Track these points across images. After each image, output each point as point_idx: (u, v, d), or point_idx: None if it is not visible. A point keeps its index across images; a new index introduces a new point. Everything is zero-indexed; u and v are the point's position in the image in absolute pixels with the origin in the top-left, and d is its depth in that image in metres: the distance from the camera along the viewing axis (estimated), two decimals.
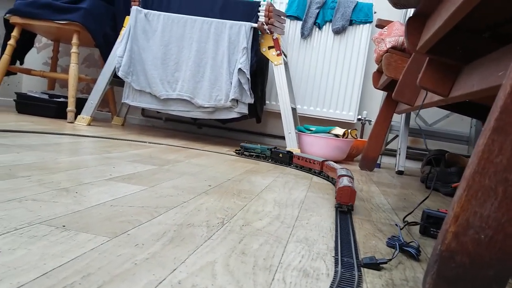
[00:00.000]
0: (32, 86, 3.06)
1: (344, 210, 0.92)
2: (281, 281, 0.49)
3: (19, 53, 2.62)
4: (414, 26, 0.98)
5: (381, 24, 1.85)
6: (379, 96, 2.62)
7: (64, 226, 0.57)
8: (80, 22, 2.20)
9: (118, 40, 2.19)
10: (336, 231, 0.76)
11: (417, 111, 1.97)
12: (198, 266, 0.50)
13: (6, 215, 0.58)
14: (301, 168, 1.62)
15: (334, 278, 0.53)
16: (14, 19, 2.31)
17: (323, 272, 0.55)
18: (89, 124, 2.23)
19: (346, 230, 0.77)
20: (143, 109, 2.90)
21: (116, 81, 2.42)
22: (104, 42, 2.34)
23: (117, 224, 0.61)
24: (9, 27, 2.43)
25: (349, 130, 2.13)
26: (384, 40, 1.50)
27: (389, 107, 1.91)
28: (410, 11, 2.34)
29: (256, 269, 0.52)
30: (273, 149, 1.73)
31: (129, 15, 2.19)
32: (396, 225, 0.88)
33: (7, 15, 2.34)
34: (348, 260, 0.60)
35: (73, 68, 2.27)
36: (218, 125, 2.82)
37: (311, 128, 2.17)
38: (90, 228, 0.58)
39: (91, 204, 0.70)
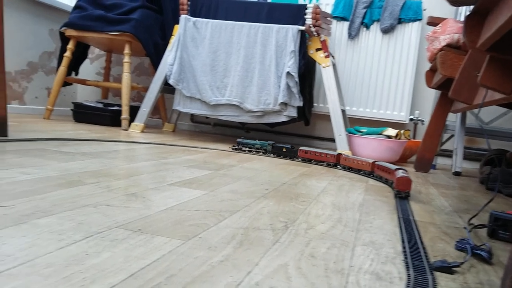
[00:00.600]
0: (86, 95, 3.20)
1: (402, 196, 1.11)
2: (355, 284, 0.49)
3: (74, 65, 2.74)
4: (472, 24, 0.95)
5: (433, 22, 1.81)
6: (431, 95, 2.55)
7: (140, 230, 0.60)
8: (132, 32, 2.28)
9: (168, 48, 2.25)
10: (402, 234, 0.75)
11: (477, 109, 1.90)
12: (272, 269, 0.51)
13: (86, 220, 0.61)
14: (349, 169, 1.61)
15: (408, 282, 0.52)
16: (70, 32, 2.43)
17: (395, 275, 0.54)
18: (142, 131, 2.30)
19: (411, 233, 0.75)
20: (192, 115, 2.96)
21: (167, 88, 2.49)
22: (154, 51, 2.41)
23: (187, 228, 0.63)
24: (64, 39, 2.55)
25: (401, 131, 2.09)
26: (438, 38, 1.47)
27: (443, 106, 1.85)
28: (463, 8, 2.27)
29: (328, 272, 0.52)
30: (274, 144, 1.79)
31: (177, 24, 2.25)
32: (464, 228, 0.85)
33: (63, 28, 2.46)
34: (419, 264, 0.59)
35: (126, 77, 2.35)
36: (266, 128, 2.84)
37: (361, 130, 2.14)
38: (163, 231, 0.60)
39: (160, 208, 0.73)
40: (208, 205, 0.80)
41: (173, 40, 2.21)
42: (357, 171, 1.57)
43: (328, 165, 1.69)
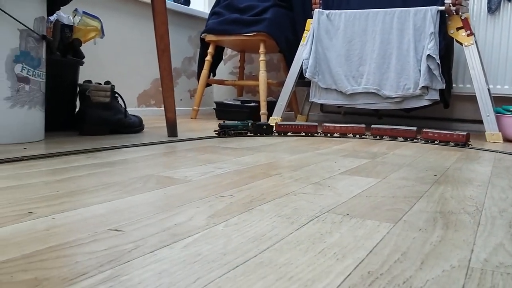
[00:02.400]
0: (221, 94, 3.43)
1: None
2: None
3: (212, 67, 2.97)
4: None
5: None
6: None
7: (347, 214, 0.67)
8: (266, 31, 2.40)
9: (302, 43, 2.33)
10: None
11: None
12: (491, 248, 0.54)
13: (297, 206, 0.71)
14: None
15: None
16: (209, 37, 2.63)
17: None
18: None
19: None
20: (321, 105, 3.02)
21: (298, 81, 2.58)
22: (286, 47, 2.51)
23: (386, 212, 0.69)
24: (204, 44, 2.77)
25: None
26: None
27: None
28: None
29: None
30: (254, 123, 1.81)
31: (307, 18, 2.32)
32: None
33: (203, 34, 2.68)
34: None
35: (262, 74, 2.49)
36: (399, 114, 2.79)
37: (511, 109, 2.01)
38: (368, 215, 0.67)
39: (350, 195, 0.80)
40: (390, 191, 0.85)
41: (307, 35, 2.29)
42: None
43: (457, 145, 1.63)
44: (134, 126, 1.77)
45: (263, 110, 2.48)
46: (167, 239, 0.53)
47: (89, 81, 1.72)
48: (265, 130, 1.81)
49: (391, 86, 2.06)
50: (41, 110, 1.42)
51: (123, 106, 1.73)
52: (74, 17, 1.79)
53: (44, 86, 1.42)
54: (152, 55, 2.87)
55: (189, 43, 3.18)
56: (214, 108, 2.82)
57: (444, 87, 2.00)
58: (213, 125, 2.31)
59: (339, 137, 1.88)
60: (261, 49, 2.48)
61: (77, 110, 1.79)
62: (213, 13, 2.66)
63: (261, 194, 0.78)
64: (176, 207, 0.68)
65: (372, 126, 1.85)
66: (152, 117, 2.67)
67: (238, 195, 0.77)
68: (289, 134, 1.88)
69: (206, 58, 2.67)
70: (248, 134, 1.77)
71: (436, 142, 1.74)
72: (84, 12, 1.81)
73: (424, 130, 1.79)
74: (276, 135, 1.84)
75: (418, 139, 1.81)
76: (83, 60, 1.83)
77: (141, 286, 0.40)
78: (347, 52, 2.14)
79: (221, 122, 1.67)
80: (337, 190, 0.84)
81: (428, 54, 1.95)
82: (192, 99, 3.24)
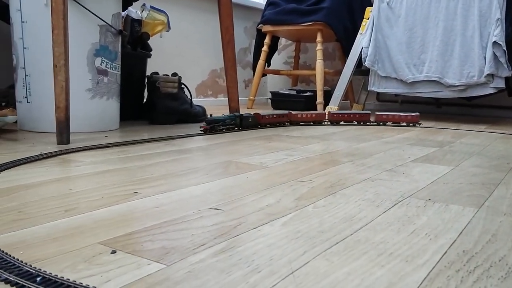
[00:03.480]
0: (274, 84, 3.47)
1: None
2: None
3: (268, 57, 3.00)
4: None
5: None
6: None
7: (429, 199, 0.69)
8: (324, 21, 2.41)
9: (361, 32, 2.32)
10: None
11: None
12: None
13: (378, 191, 0.73)
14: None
15: None
16: (266, 28, 2.67)
17: None
18: None
19: None
20: (378, 94, 2.99)
21: (355, 70, 2.57)
22: (344, 35, 2.50)
23: (467, 198, 0.70)
24: (260, 35, 2.81)
25: None
26: None
27: None
28: None
29: None
30: (241, 116, 1.58)
31: (366, 6, 2.30)
32: None
33: (260, 25, 2.72)
34: None
35: (319, 64, 2.50)
36: (459, 102, 2.72)
37: None
38: (451, 200, 0.68)
39: (426, 182, 0.82)
40: (466, 178, 0.86)
41: (366, 23, 2.28)
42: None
43: None
44: (199, 116, 1.84)
45: (320, 99, 2.50)
46: (265, 218, 0.58)
47: (157, 73, 1.80)
48: (251, 123, 1.62)
49: (454, 74, 2.02)
50: (117, 101, 1.51)
51: (189, 96, 1.81)
52: (142, 11, 1.88)
53: (120, 78, 1.51)
54: (209, 47, 2.95)
55: (245, 34, 3.23)
56: (269, 98, 2.86)
57: (510, 74, 1.94)
58: None
59: (406, 127, 1.87)
60: (318, 38, 2.49)
61: (144, 100, 1.88)
62: (269, 3, 2.69)
63: (339, 180, 0.81)
64: (262, 190, 0.72)
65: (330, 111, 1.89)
66: (210, 108, 2.75)
67: (317, 180, 0.81)
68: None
69: (263, 49, 2.71)
70: (236, 128, 1.56)
71: (388, 123, 1.85)
72: (151, 7, 1.89)
73: (376, 113, 1.89)
74: (261, 127, 1.84)
75: (372, 122, 1.89)
76: (150, 52, 1.92)
77: (256, 256, 0.45)
78: (408, 40, 2.12)
79: (208, 116, 1.48)
80: (412, 176, 0.86)
81: (494, 41, 1.89)
82: (247, 89, 3.30)
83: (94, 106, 1.40)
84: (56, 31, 1.11)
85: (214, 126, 1.45)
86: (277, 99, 2.80)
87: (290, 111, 1.80)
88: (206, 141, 1.29)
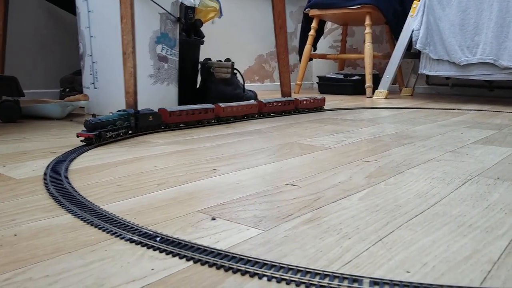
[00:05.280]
0: (319, 68, 3.46)
1: None
2: None
3: (314, 41, 3.00)
4: None
5: None
6: None
7: (498, 178, 0.71)
8: (373, 3, 2.39)
9: (411, 14, 2.29)
10: None
11: None
12: None
13: (445, 170, 0.75)
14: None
15: None
16: (313, 12, 2.67)
17: None
18: (386, 97, 2.42)
19: None
20: (427, 78, 2.94)
21: (405, 53, 2.53)
22: (393, 18, 2.47)
23: None
24: (307, 19, 2.82)
25: None
26: None
27: None
28: None
29: None
30: (137, 113, 1.07)
31: None
32: None
33: (307, 9, 2.72)
34: None
35: (368, 47, 2.48)
36: None
37: None
38: None
39: (492, 162, 0.83)
40: None
41: (417, 6, 2.24)
42: None
43: None
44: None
45: (369, 83, 2.49)
46: (341, 193, 0.61)
47: (209, 59, 1.86)
48: (152, 123, 1.11)
49: (510, 56, 1.96)
50: (176, 86, 1.58)
51: (241, 81, 1.85)
52: None
53: (177, 64, 1.57)
54: (256, 33, 2.98)
55: (290, 19, 3.24)
56: (317, 82, 2.87)
57: None
58: None
59: (460, 110, 1.85)
60: (367, 21, 2.47)
61: (198, 86, 1.94)
62: None
63: (404, 160, 0.84)
64: (331, 169, 0.76)
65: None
66: (258, 92, 2.79)
67: (382, 160, 0.83)
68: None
69: (310, 33, 2.72)
70: (130, 132, 1.07)
71: (305, 110, 1.66)
72: None
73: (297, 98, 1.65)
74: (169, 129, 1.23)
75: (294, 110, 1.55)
76: (203, 39, 1.97)
77: (343, 226, 0.49)
78: (461, 22, 2.07)
79: (90, 118, 0.93)
80: (477, 157, 0.87)
81: None
82: (292, 74, 3.31)
83: (156, 91, 1.47)
84: (124, 20, 1.17)
85: (101, 134, 0.94)
86: (325, 83, 2.80)
87: (218, 104, 1.32)
88: (263, 124, 1.33)
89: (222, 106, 1.33)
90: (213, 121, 1.33)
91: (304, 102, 1.64)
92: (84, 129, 0.93)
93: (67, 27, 1.93)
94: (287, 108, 1.57)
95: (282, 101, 1.55)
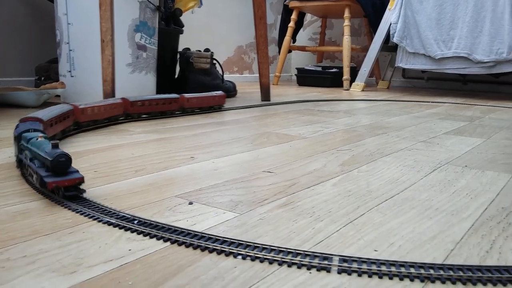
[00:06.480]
0: (299, 60, 3.48)
1: None
2: None
3: (294, 33, 3.02)
4: None
5: None
6: None
7: (466, 166, 0.74)
8: None
9: (390, 7, 2.32)
10: None
11: None
12: None
13: (416, 159, 0.78)
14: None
15: None
16: (293, 4, 2.68)
17: None
18: (362, 90, 2.45)
19: None
20: (403, 71, 2.99)
21: (383, 46, 2.57)
22: (372, 11, 2.50)
23: (502, 165, 0.75)
24: (287, 11, 2.83)
25: None
26: None
27: None
28: None
29: None
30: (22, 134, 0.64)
31: None
32: None
33: (287, 1, 2.73)
34: None
35: (346, 40, 2.51)
36: (486, 79, 2.71)
37: None
38: (486, 167, 0.73)
39: (461, 152, 0.86)
40: (498, 149, 0.89)
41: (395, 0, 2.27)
42: None
43: None
44: (230, 91, 1.89)
45: (346, 75, 2.52)
46: (315, 180, 0.63)
47: (188, 49, 1.85)
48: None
49: (484, 50, 2.02)
50: (154, 75, 1.57)
51: (220, 72, 1.86)
52: None
53: (156, 53, 1.57)
54: (236, 24, 2.97)
55: (270, 10, 3.24)
56: (295, 74, 2.89)
57: None
58: (296, 90, 2.39)
59: (433, 103, 1.89)
60: (346, 14, 2.50)
61: (176, 76, 1.94)
62: None
63: (377, 149, 0.86)
64: (307, 157, 0.78)
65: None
66: (237, 84, 2.80)
67: (356, 149, 0.86)
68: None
69: (289, 25, 2.73)
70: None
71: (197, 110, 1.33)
72: None
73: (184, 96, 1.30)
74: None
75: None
76: (182, 29, 1.97)
77: (316, 209, 0.51)
78: (438, 16, 2.12)
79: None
80: (447, 147, 0.90)
81: None
82: (271, 66, 3.32)
83: (134, 80, 1.47)
84: (103, 7, 1.16)
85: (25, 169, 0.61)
86: (303, 75, 2.82)
87: (76, 105, 0.96)
88: (241, 114, 1.34)
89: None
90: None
91: (195, 100, 1.30)
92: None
93: (44, 14, 1.89)
94: (166, 108, 1.23)
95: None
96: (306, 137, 0.98)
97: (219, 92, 1.40)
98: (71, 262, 0.36)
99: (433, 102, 1.90)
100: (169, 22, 1.88)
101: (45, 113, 0.78)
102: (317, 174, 0.66)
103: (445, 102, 1.91)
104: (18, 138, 0.63)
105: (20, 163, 0.63)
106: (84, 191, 0.52)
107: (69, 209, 0.48)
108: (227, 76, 2.87)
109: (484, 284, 0.35)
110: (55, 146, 0.52)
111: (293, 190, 0.58)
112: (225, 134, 0.99)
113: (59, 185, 0.49)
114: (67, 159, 0.51)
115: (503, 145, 0.95)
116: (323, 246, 0.40)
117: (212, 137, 0.94)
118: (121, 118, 1.12)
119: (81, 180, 0.51)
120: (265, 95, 1.79)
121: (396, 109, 1.62)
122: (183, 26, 1.98)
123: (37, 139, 0.57)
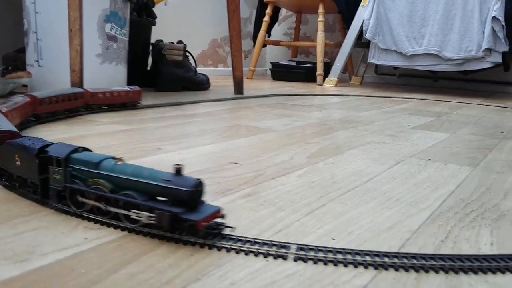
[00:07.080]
0: (274, 55, 3.49)
1: None
2: None
3: (268, 28, 3.02)
4: None
5: None
6: None
7: (429, 159, 0.75)
8: None
9: (363, 4, 2.34)
10: None
11: None
12: None
13: (382, 152, 0.79)
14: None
15: None
16: None
17: None
18: (336, 85, 2.47)
19: None
20: (376, 67, 3.03)
21: (356, 43, 2.60)
22: (346, 7, 2.52)
23: (464, 159, 0.77)
24: (262, 5, 2.82)
25: None
26: None
27: None
28: None
29: None
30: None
31: None
32: None
33: None
34: None
35: (320, 35, 2.53)
36: (456, 76, 2.77)
37: None
38: (449, 160, 0.75)
39: (426, 145, 0.88)
40: (462, 144, 0.92)
41: None
42: None
43: None
44: (203, 84, 1.88)
45: (320, 71, 2.53)
46: (281, 171, 0.64)
47: (161, 41, 1.83)
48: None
49: (453, 47, 2.06)
50: (125, 66, 1.55)
51: (193, 64, 1.84)
52: None
53: (127, 44, 1.54)
54: (210, 17, 2.95)
55: (245, 4, 3.23)
56: (270, 69, 2.89)
57: (507, 49, 1.98)
58: (271, 85, 2.40)
59: (404, 98, 1.92)
60: (320, 9, 2.51)
61: (148, 68, 1.91)
62: None
63: (345, 142, 0.87)
64: (275, 149, 0.78)
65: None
66: (211, 77, 2.78)
67: (324, 142, 0.86)
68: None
69: (264, 19, 2.73)
70: None
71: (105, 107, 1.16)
72: None
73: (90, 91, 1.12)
74: None
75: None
76: (155, 20, 1.94)
77: (278, 199, 0.51)
78: (409, 13, 2.15)
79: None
80: (413, 141, 0.92)
81: (493, 16, 1.93)
82: (246, 60, 3.32)
83: (104, 71, 1.44)
84: None
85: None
86: (277, 70, 2.83)
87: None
88: (213, 107, 1.34)
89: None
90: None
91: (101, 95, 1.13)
92: None
93: (11, 2, 1.84)
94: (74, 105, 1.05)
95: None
96: (276, 130, 0.99)
97: (134, 87, 1.21)
98: (23, 250, 0.35)
99: (403, 98, 1.93)
100: (142, 13, 1.85)
101: None
102: (283, 166, 0.67)
103: (415, 98, 1.94)
104: (66, 161, 0.44)
105: (58, 194, 0.44)
106: (231, 227, 0.41)
107: (26, 198, 0.47)
108: (201, 69, 2.85)
109: (437, 272, 0.35)
110: (179, 172, 0.40)
111: (258, 181, 0.58)
112: (195, 126, 0.98)
113: (209, 223, 0.38)
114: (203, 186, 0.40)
115: (468, 139, 0.97)
116: (282, 235, 0.41)
117: (181, 129, 0.93)
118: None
119: (221, 214, 0.40)
120: (238, 88, 1.79)
121: (367, 104, 1.64)
122: (155, 17, 1.95)
123: (116, 162, 0.43)
